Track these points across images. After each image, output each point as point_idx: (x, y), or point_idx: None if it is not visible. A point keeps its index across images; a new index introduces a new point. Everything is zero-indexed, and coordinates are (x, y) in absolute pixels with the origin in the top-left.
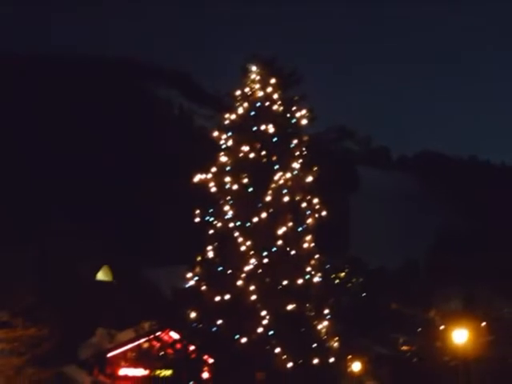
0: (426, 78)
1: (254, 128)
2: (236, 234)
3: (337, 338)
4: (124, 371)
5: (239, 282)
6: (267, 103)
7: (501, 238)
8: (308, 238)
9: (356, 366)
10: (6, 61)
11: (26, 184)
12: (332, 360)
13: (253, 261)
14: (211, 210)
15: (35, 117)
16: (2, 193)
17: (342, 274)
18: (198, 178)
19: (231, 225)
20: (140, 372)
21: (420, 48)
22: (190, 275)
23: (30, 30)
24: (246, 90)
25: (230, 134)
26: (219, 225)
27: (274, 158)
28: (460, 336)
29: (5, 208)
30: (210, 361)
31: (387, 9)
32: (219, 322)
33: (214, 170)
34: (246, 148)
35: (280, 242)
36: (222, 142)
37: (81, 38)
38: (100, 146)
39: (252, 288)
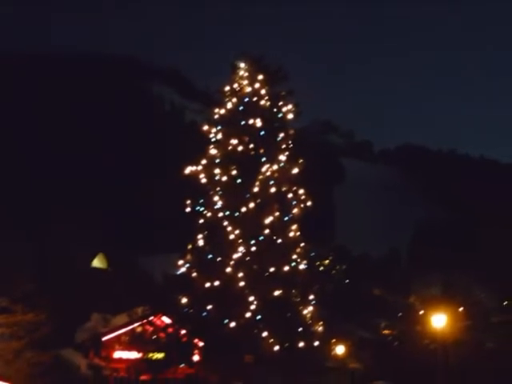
0: (409, 76)
1: (243, 122)
2: (225, 223)
3: (321, 323)
4: (118, 354)
5: (228, 269)
6: (255, 98)
7: (478, 228)
8: (294, 227)
9: (340, 349)
10: (5, 61)
11: (25, 174)
12: (317, 343)
13: (241, 249)
14: (201, 201)
15: (33, 112)
16: (2, 186)
17: (327, 262)
18: (188, 169)
19: (220, 214)
20: (133, 355)
21: (416, 48)
22: (181, 262)
23: (30, 29)
24: (235, 85)
25: (219, 127)
26: (209, 214)
27: (262, 151)
28: (439, 320)
29: (4, 198)
30: (201, 344)
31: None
32: (209, 307)
33: (204, 162)
34: (234, 141)
35: (267, 231)
36: (211, 135)
37: (80, 38)
38: (96, 140)
39: (240, 275)
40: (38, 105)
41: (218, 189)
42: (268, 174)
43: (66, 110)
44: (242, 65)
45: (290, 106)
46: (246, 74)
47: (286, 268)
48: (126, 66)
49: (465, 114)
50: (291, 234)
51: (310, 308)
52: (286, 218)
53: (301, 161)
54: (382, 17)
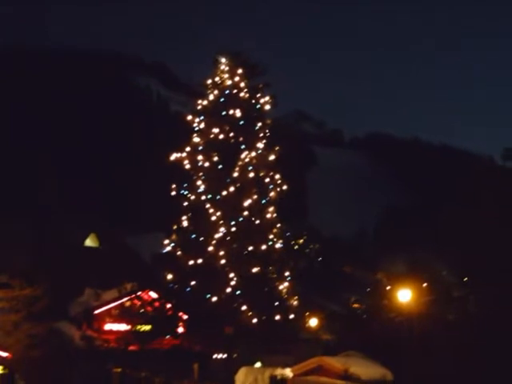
0: (376, 66)
1: (223, 112)
2: (207, 205)
3: (296, 297)
4: (109, 326)
5: (210, 248)
6: (235, 91)
7: (439, 211)
8: (271, 209)
9: (313, 322)
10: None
11: (24, 160)
12: (292, 316)
13: (222, 229)
14: (185, 185)
15: (29, 100)
16: (1, 169)
17: (301, 241)
18: (174, 156)
19: (203, 197)
20: (123, 327)
21: (383, 41)
22: (167, 242)
23: (24, 26)
24: (217, 79)
25: (202, 117)
26: (193, 197)
27: (241, 139)
28: (404, 295)
29: (4, 180)
30: (185, 317)
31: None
32: (192, 283)
33: (188, 149)
34: (216, 130)
35: (246, 213)
36: (195, 124)
37: (69, 33)
38: (88, 128)
39: (221, 253)
40: (34, 100)
41: (201, 174)
42: (247, 160)
43: (59, 102)
44: (223, 60)
45: (267, 98)
46: (227, 68)
47: (264, 247)
48: (116, 60)
49: (428, 103)
50: (268, 216)
51: (286, 284)
52: (264, 201)
53: (277, 148)
54: (357, 13)
